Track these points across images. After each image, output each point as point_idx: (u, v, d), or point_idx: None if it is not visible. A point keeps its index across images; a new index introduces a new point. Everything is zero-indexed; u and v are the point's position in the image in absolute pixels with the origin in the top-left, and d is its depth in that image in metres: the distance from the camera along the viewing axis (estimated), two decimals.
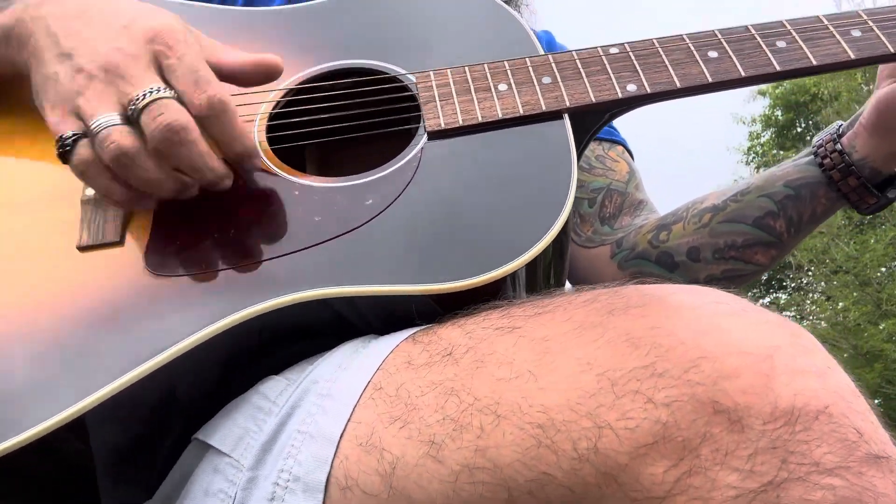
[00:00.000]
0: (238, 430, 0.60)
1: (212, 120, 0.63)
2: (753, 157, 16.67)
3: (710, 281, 0.93)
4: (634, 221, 1.01)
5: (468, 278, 0.60)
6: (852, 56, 0.71)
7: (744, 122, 16.32)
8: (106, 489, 0.63)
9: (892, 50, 0.71)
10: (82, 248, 0.65)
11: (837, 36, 0.73)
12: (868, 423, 0.43)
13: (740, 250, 0.91)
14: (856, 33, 0.73)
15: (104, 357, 0.58)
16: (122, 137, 0.60)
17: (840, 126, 0.87)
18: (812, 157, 0.88)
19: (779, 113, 15.92)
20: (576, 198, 0.84)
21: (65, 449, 0.60)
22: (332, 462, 0.53)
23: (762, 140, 16.58)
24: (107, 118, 0.61)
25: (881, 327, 11.06)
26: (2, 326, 0.60)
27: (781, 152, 15.85)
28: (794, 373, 0.44)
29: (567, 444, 0.45)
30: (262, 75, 0.68)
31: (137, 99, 0.61)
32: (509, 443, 0.47)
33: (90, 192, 0.68)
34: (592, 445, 0.45)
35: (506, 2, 0.85)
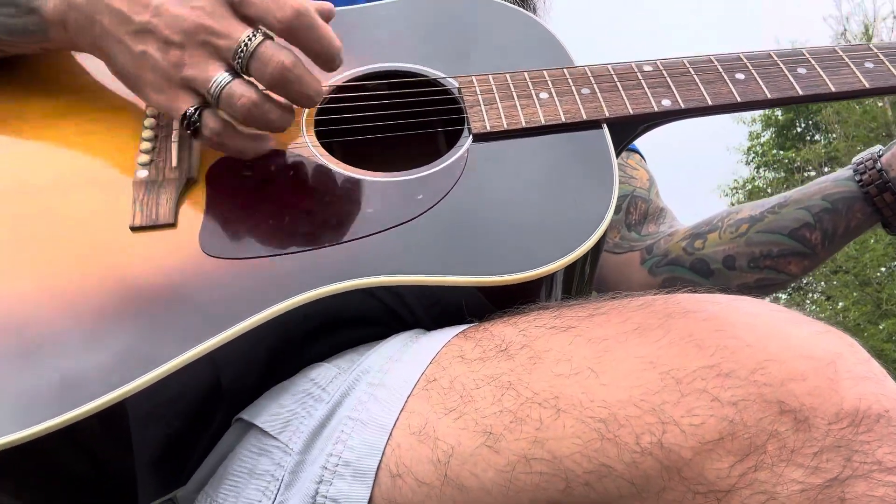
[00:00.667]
0: (286, 414, 0.61)
1: (302, 30, 0.64)
2: (753, 157, 16.69)
3: (742, 289, 0.96)
4: (661, 229, 1.05)
5: (518, 272, 0.63)
6: (867, 86, 0.77)
7: (744, 122, 16.34)
8: (146, 488, 0.63)
9: None
10: (135, 229, 0.66)
11: (852, 66, 0.78)
12: None
13: (775, 260, 0.94)
14: (869, 65, 0.79)
15: (160, 336, 0.59)
16: (247, 91, 0.63)
17: (881, 148, 0.92)
18: (851, 173, 0.91)
19: (779, 113, 15.95)
20: None
21: (107, 453, 0.61)
22: (384, 450, 0.54)
23: (762, 140, 16.60)
24: (221, 78, 0.63)
25: (881, 327, 11.08)
26: (58, 305, 0.60)
27: (781, 152, 15.87)
28: (857, 378, 0.46)
29: (630, 437, 0.47)
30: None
31: (241, 51, 0.63)
32: (570, 435, 0.49)
33: (142, 173, 0.69)
34: (656, 440, 0.46)
35: None
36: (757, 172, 16.44)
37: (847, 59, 0.79)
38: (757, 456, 0.44)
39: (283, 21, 0.63)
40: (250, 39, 0.63)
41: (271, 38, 0.64)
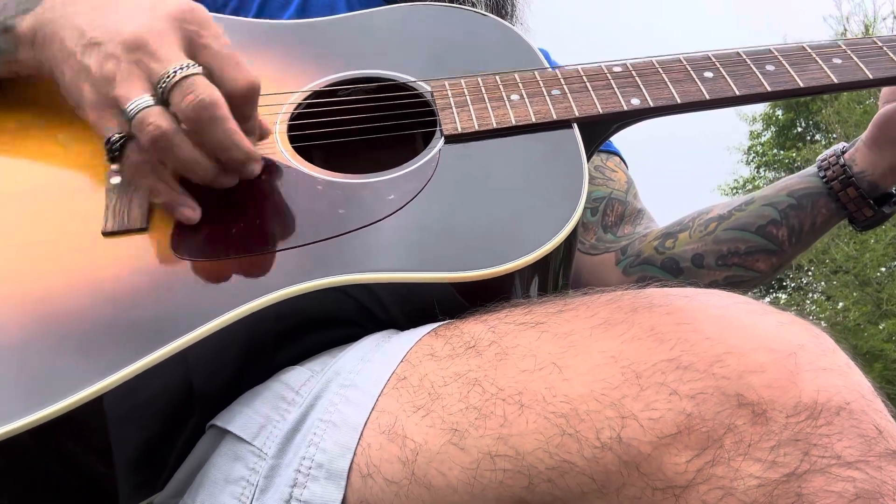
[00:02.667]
0: (260, 419, 0.61)
1: (245, 105, 0.64)
2: (753, 157, 16.68)
3: (712, 287, 0.98)
4: (636, 230, 1.06)
5: (489, 268, 0.63)
6: (835, 80, 0.78)
7: (745, 120, 16.33)
8: (126, 493, 0.63)
9: (870, 76, 0.78)
10: (108, 234, 0.66)
11: (820, 62, 0.79)
12: (886, 422, 0.45)
13: (743, 257, 0.95)
14: (837, 61, 0.79)
15: (131, 336, 0.59)
16: (157, 118, 0.61)
17: (844, 146, 0.93)
18: (815, 168, 0.93)
19: (779, 112, 15.94)
20: None
21: (87, 459, 0.61)
22: (356, 450, 0.54)
23: (762, 140, 16.59)
24: (141, 101, 0.61)
25: (881, 327, 11.06)
26: (28, 309, 0.61)
27: (782, 152, 15.86)
28: (818, 370, 0.46)
29: (590, 433, 0.47)
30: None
31: (167, 76, 0.61)
32: (532, 431, 0.49)
33: (115, 180, 0.69)
34: (616, 435, 0.46)
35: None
36: (757, 172, 16.43)
37: (815, 56, 0.80)
38: (714, 450, 0.44)
39: (237, 88, 0.64)
40: (181, 69, 0.62)
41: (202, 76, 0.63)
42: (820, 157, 0.95)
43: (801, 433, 0.43)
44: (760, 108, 16.29)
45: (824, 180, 0.91)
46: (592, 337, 0.52)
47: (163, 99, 0.62)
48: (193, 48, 0.65)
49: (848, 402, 0.44)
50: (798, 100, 14.73)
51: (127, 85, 0.62)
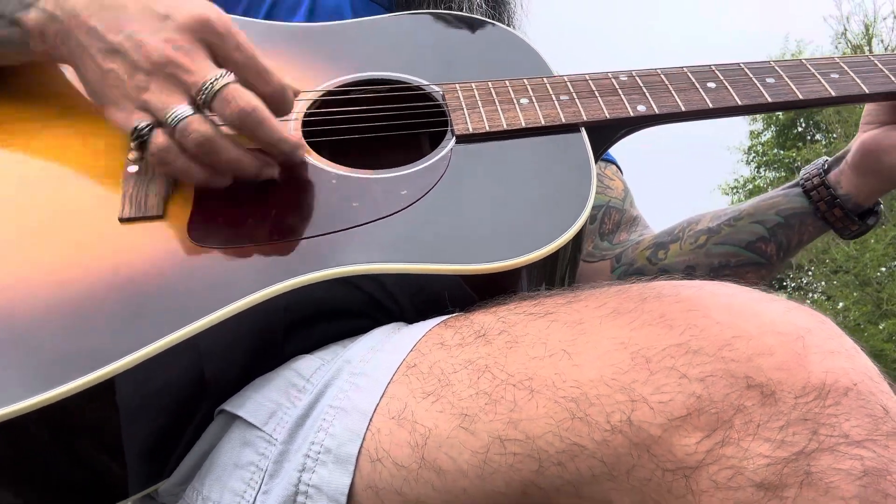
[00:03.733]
0: (270, 405, 0.61)
1: (277, 110, 0.68)
2: (753, 157, 16.69)
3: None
4: (631, 237, 1.08)
5: (499, 261, 0.65)
6: (833, 94, 0.80)
7: (745, 119, 16.34)
8: (135, 479, 0.64)
9: (866, 90, 0.81)
10: (124, 220, 0.67)
11: (819, 77, 0.82)
12: (893, 402, 0.46)
13: (734, 269, 0.98)
14: (834, 76, 0.82)
15: (146, 319, 0.60)
16: (202, 125, 0.64)
17: (826, 161, 0.95)
18: (800, 188, 0.95)
19: (780, 112, 15.95)
20: None
21: (94, 445, 0.62)
22: (364, 435, 0.55)
23: (763, 139, 16.60)
24: (180, 110, 0.64)
25: (881, 327, 11.08)
26: (48, 293, 0.62)
27: (782, 151, 15.87)
28: (825, 352, 0.46)
29: (600, 416, 0.47)
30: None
31: (206, 87, 0.64)
32: (542, 415, 0.49)
33: (132, 168, 0.71)
34: (626, 418, 0.47)
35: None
36: (757, 172, 16.45)
37: (813, 70, 0.82)
38: (724, 431, 0.44)
39: (266, 94, 0.67)
40: (216, 80, 0.65)
41: (238, 83, 0.66)
42: (803, 173, 0.97)
43: (810, 413, 0.44)
44: None
45: (810, 201, 0.93)
46: (602, 325, 0.52)
47: (201, 107, 0.66)
48: (217, 57, 0.67)
49: (855, 382, 0.45)
50: None
51: (161, 95, 0.65)
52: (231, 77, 0.66)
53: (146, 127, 0.65)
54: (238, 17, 0.90)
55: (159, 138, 0.65)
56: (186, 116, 0.64)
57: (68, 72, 0.80)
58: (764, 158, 16.39)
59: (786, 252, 0.96)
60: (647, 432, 0.46)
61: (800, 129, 16.18)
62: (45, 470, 0.61)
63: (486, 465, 0.50)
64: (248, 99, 0.65)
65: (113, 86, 0.66)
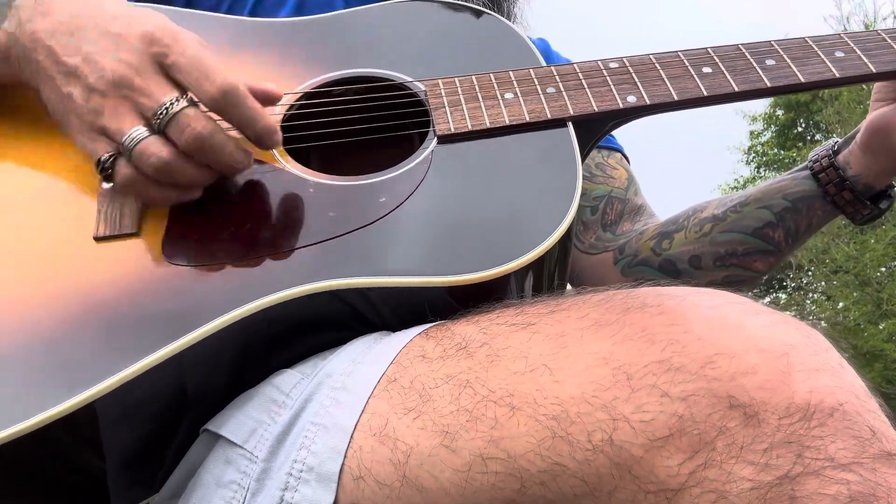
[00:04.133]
0: (251, 423, 0.61)
1: (228, 107, 0.65)
2: (754, 157, 16.68)
3: (711, 286, 0.98)
4: (635, 227, 1.05)
5: (481, 271, 0.63)
6: (837, 75, 0.76)
7: (746, 119, 16.34)
8: (118, 493, 0.64)
9: (873, 70, 0.76)
10: (99, 239, 0.67)
11: (822, 56, 0.77)
12: (880, 422, 0.45)
13: (741, 258, 0.95)
14: (839, 54, 0.78)
15: (123, 342, 0.59)
16: (158, 149, 0.63)
17: (836, 143, 0.92)
18: (808, 171, 0.92)
19: (780, 112, 15.94)
20: (579, 205, 0.87)
21: (80, 457, 0.62)
22: (346, 452, 0.54)
23: (763, 140, 16.59)
24: (136, 133, 0.63)
25: (881, 327, 11.06)
26: (21, 315, 0.61)
27: (782, 151, 15.86)
28: (810, 370, 0.45)
29: (582, 435, 0.46)
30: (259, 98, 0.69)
31: (160, 113, 0.63)
32: (523, 433, 0.48)
33: (107, 185, 0.69)
34: (607, 437, 0.46)
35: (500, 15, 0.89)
36: (757, 172, 16.43)
37: (817, 49, 0.78)
38: (706, 453, 0.43)
39: (208, 95, 0.64)
40: (172, 104, 0.64)
41: (196, 105, 0.65)
42: (811, 155, 0.94)
43: (794, 435, 0.43)
44: (761, 108, 16.30)
45: (819, 183, 0.91)
46: (584, 338, 0.51)
47: (157, 131, 0.64)
48: (164, 70, 0.66)
49: (841, 402, 0.44)
50: (798, 99, 14.74)
51: (117, 118, 0.64)
52: (184, 102, 0.64)
53: (108, 159, 0.64)
54: (215, 14, 0.88)
55: (123, 169, 0.64)
56: (141, 140, 0.63)
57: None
58: (764, 158, 16.37)
59: (794, 238, 0.93)
60: (628, 452, 0.45)
61: (800, 129, 16.16)
62: (27, 490, 0.61)
63: (469, 483, 0.49)
64: (201, 122, 0.64)
65: (71, 111, 0.65)
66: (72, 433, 0.58)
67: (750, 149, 16.68)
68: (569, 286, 0.91)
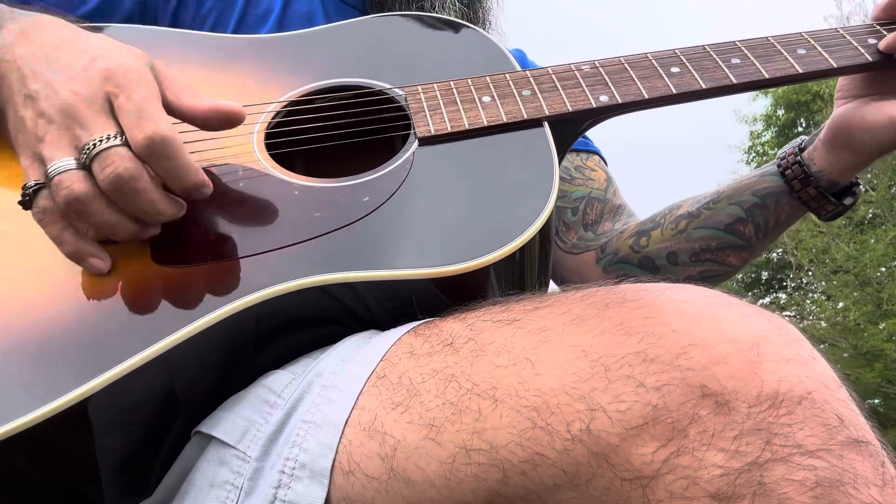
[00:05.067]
0: (243, 423, 0.61)
1: (154, 157, 0.63)
2: (753, 157, 16.67)
3: (688, 281, 1.00)
4: (615, 227, 1.07)
5: (464, 262, 0.64)
6: (800, 70, 0.79)
7: (746, 121, 16.33)
8: (110, 500, 0.63)
9: (834, 65, 0.79)
10: None
11: (785, 54, 0.80)
12: (849, 411, 0.46)
13: (714, 253, 0.97)
14: (801, 51, 0.81)
15: (113, 341, 0.60)
16: (73, 183, 0.61)
17: (802, 140, 0.94)
18: (776, 167, 0.94)
19: (780, 112, 15.93)
20: (560, 207, 0.88)
21: (69, 464, 0.62)
22: (337, 448, 0.55)
23: (763, 140, 16.58)
24: (62, 164, 0.62)
25: (881, 327, 11.05)
26: (14, 317, 0.62)
27: None
28: (780, 360, 0.46)
29: (561, 425, 0.48)
30: (221, 121, 0.68)
31: (88, 147, 0.61)
32: (505, 424, 0.49)
33: None
34: (585, 427, 0.47)
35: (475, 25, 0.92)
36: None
37: (780, 47, 0.81)
38: (679, 441, 0.44)
39: (135, 141, 0.62)
40: (101, 141, 0.62)
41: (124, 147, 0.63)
42: (780, 153, 0.96)
43: (763, 423, 0.44)
44: (761, 109, 16.27)
45: (784, 179, 0.93)
46: (564, 332, 0.52)
47: (86, 166, 0.62)
48: (113, 108, 0.64)
49: (809, 391, 0.45)
50: (799, 98, 14.73)
51: (53, 147, 0.62)
52: (118, 141, 0.62)
53: (32, 187, 0.63)
54: (199, 32, 0.89)
55: (42, 200, 0.63)
56: (63, 172, 0.61)
57: None
58: (764, 158, 16.36)
59: (764, 233, 0.95)
60: (605, 441, 0.46)
61: (800, 129, 16.15)
62: (18, 493, 0.61)
63: (453, 474, 0.50)
64: (125, 164, 0.61)
65: (20, 132, 0.65)
66: (60, 437, 0.58)
67: (750, 148, 16.67)
68: (553, 286, 0.94)
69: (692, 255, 0.98)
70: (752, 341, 0.47)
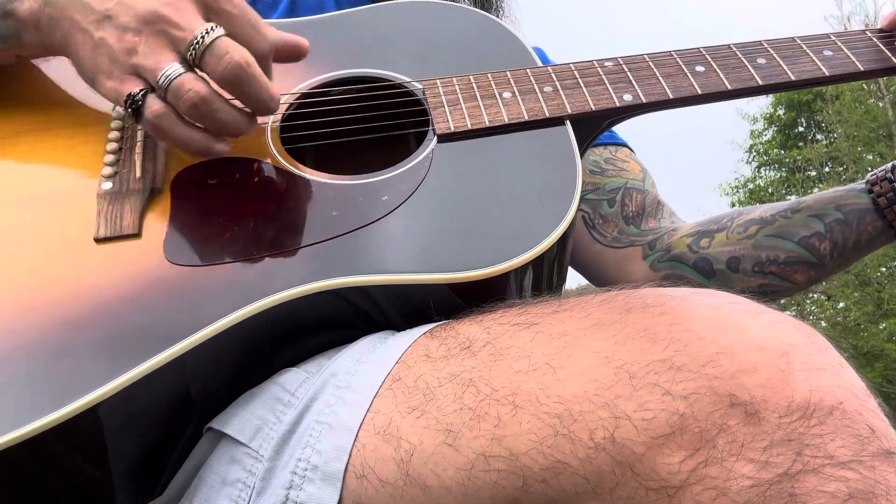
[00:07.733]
0: (256, 421, 0.60)
1: (267, 61, 0.66)
2: (755, 157, 16.68)
3: (744, 294, 0.97)
4: (662, 224, 1.03)
5: (484, 268, 0.63)
6: (826, 73, 0.78)
7: (747, 119, 16.33)
8: (121, 499, 0.63)
9: (861, 68, 0.78)
10: (99, 240, 0.66)
11: (812, 55, 0.79)
12: (880, 421, 0.45)
13: (781, 266, 0.92)
14: (828, 53, 0.79)
15: (126, 344, 0.59)
16: (195, 84, 0.62)
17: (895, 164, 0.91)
18: (865, 184, 0.91)
19: (781, 111, 15.94)
20: (595, 199, 0.86)
21: (81, 466, 0.61)
22: (351, 451, 0.54)
23: (764, 139, 16.58)
24: (171, 69, 0.62)
25: (881, 327, 11.07)
26: (22, 318, 0.60)
27: (783, 151, 15.86)
28: (811, 369, 0.45)
29: (584, 433, 0.47)
30: (290, 53, 0.71)
31: (196, 42, 0.62)
32: (526, 431, 0.48)
33: (106, 185, 0.69)
34: (609, 435, 0.46)
35: None
36: (757, 172, 16.42)
37: (806, 48, 0.80)
38: (707, 450, 0.44)
39: (260, 49, 0.64)
40: (207, 33, 0.63)
41: (228, 36, 0.64)
42: (871, 173, 0.92)
43: (794, 433, 0.43)
44: (762, 108, 16.28)
45: (871, 196, 0.89)
46: (586, 337, 0.51)
47: (192, 65, 0.64)
48: (209, 13, 0.65)
49: (841, 401, 0.44)
50: (800, 98, 14.73)
51: (154, 55, 0.63)
52: (220, 31, 0.63)
53: (139, 92, 0.63)
54: None
55: (154, 105, 0.64)
56: (178, 76, 0.62)
57: (46, 79, 0.79)
58: (765, 158, 16.36)
59: (840, 253, 0.91)
60: (630, 450, 0.45)
61: (801, 128, 16.15)
62: (30, 492, 0.60)
63: (471, 481, 0.49)
64: (238, 52, 0.63)
65: (105, 54, 0.65)
66: (75, 441, 0.58)
67: (751, 148, 16.68)
68: (568, 285, 0.91)
69: (756, 265, 0.93)
70: (781, 350, 0.46)
